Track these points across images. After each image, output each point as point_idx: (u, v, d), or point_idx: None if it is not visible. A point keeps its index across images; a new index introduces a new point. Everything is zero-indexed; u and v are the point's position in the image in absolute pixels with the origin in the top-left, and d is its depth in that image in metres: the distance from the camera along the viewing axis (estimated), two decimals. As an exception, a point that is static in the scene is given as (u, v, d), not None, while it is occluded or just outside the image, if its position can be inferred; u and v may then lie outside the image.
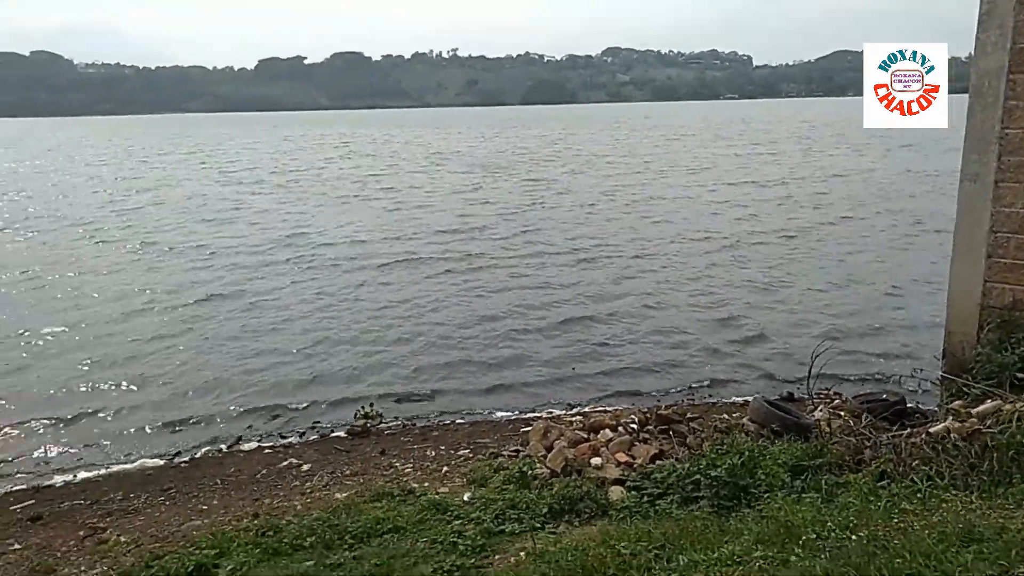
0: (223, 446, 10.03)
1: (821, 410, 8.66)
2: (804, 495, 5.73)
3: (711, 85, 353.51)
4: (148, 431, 10.57)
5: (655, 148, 63.89)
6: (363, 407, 10.87)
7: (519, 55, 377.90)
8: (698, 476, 6.36)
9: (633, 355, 13.00)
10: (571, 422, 9.16)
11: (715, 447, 7.13)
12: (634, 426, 8.42)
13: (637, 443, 7.86)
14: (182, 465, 9.52)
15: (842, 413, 8.39)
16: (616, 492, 6.65)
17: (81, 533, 7.45)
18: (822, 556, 4.23)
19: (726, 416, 9.19)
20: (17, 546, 7.29)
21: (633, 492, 6.61)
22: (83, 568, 6.53)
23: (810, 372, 9.23)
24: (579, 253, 21.17)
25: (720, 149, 59.90)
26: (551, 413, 10.58)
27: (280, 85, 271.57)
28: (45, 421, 10.89)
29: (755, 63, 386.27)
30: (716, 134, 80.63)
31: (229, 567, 5.89)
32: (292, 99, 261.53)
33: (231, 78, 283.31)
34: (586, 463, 7.32)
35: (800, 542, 4.50)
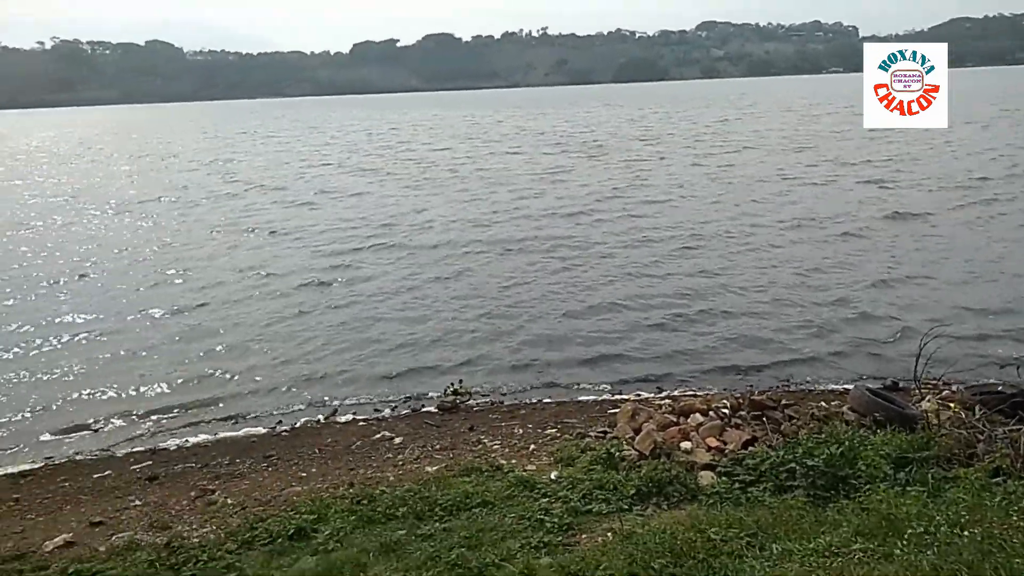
0: (321, 417, 10.49)
1: (928, 400, 8.22)
2: (908, 488, 5.47)
3: (813, 59, 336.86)
4: (253, 402, 11.15)
5: (757, 125, 61.32)
6: (453, 384, 11.09)
7: (610, 32, 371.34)
8: (793, 464, 6.17)
9: (729, 339, 12.66)
10: (659, 405, 9.05)
11: (812, 435, 6.89)
12: (726, 411, 8.24)
13: (729, 428, 7.70)
14: (283, 434, 10.01)
15: (952, 405, 7.93)
16: (706, 477, 6.54)
17: (192, 494, 7.96)
18: (929, 552, 4.02)
19: (824, 404, 8.84)
20: (137, 502, 7.87)
21: (724, 478, 6.48)
22: (194, 526, 6.97)
23: (917, 360, 8.75)
24: (680, 237, 20.26)
25: (831, 125, 56.64)
26: (639, 395, 10.48)
27: (373, 68, 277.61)
28: (161, 389, 11.68)
29: (861, 34, 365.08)
30: (825, 109, 76.72)
31: (327, 532, 6.18)
32: (384, 81, 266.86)
33: (327, 62, 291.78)
34: (675, 447, 7.22)
35: (904, 536, 4.31)
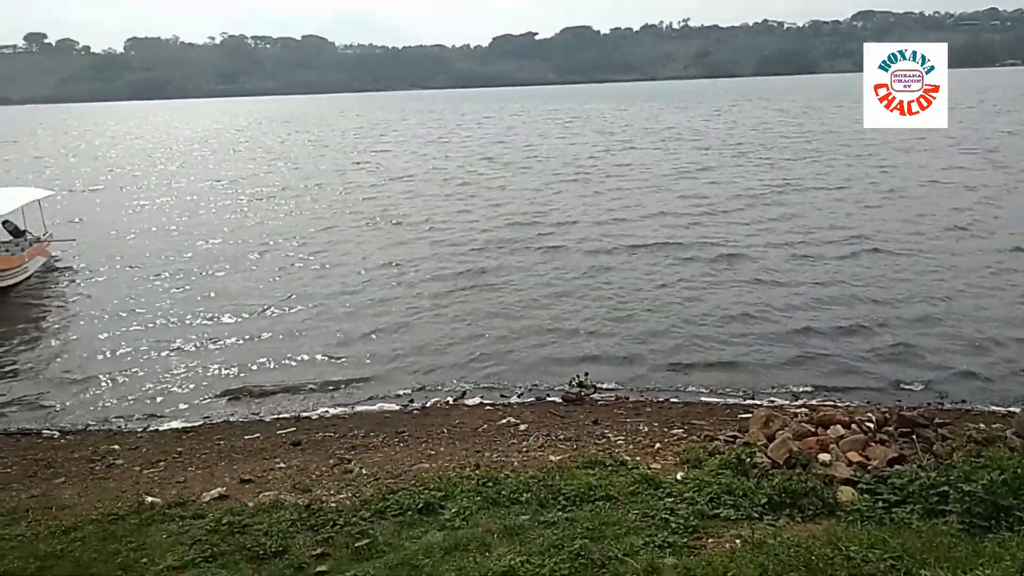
0: (450, 399, 10.83)
1: (1113, 433, 7.32)
2: (1086, 527, 4.91)
3: (987, 50, 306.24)
4: (387, 379, 11.69)
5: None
6: (578, 376, 11.10)
7: (755, 23, 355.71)
8: (946, 488, 5.70)
9: (879, 349, 11.87)
10: (795, 414, 8.63)
11: (969, 458, 6.34)
12: (870, 425, 7.73)
13: (873, 444, 7.21)
14: (414, 412, 10.43)
15: None
16: (846, 492, 6.17)
17: (331, 461, 8.46)
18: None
19: (983, 426, 8.10)
20: (281, 465, 8.47)
21: (866, 495, 6.09)
22: (332, 492, 7.40)
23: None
24: (837, 242, 18.98)
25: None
26: (772, 402, 10.05)
27: (511, 61, 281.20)
28: (308, 362, 12.50)
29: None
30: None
31: (453, 509, 6.37)
32: (521, 74, 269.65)
33: (467, 55, 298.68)
34: (813, 458, 6.86)
35: (1080, 579, 3.88)
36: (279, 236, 22.70)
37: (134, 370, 12.39)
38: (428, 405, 10.68)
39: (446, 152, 48.32)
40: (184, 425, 10.21)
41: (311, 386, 11.49)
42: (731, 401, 10.31)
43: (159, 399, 11.22)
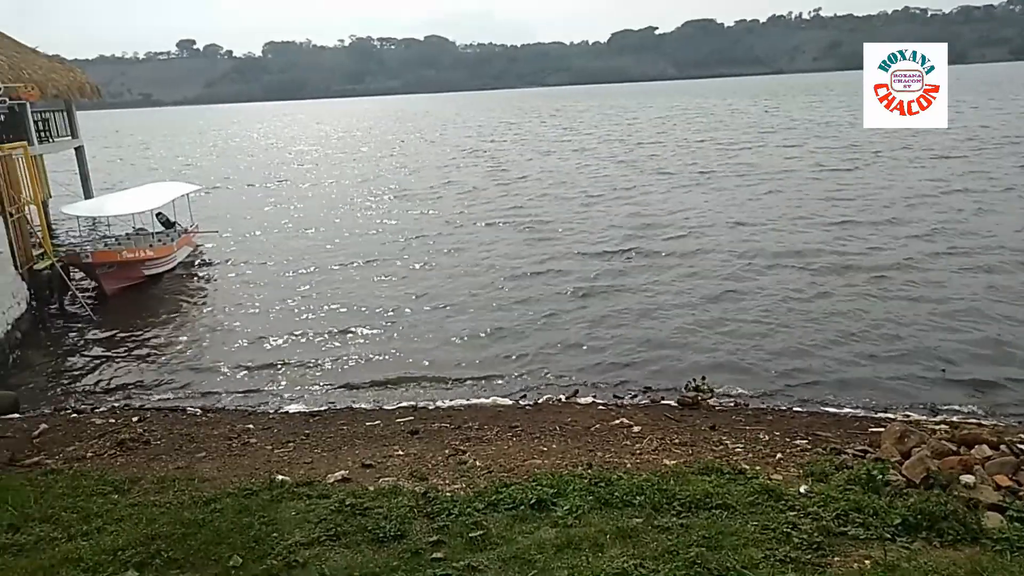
0: (562, 396, 10.85)
1: None
2: None
3: None
4: (502, 374, 11.89)
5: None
6: (695, 379, 10.82)
7: (895, 11, 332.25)
8: (1115, 522, 5.13)
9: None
10: (934, 430, 8.02)
11: None
12: (1023, 447, 7.06)
13: (1026, 468, 6.59)
14: (527, 407, 10.52)
15: None
16: (993, 519, 5.68)
17: (446, 452, 8.67)
18: None
19: None
20: (400, 452, 8.77)
21: (1017, 524, 5.58)
22: (447, 481, 7.59)
23: None
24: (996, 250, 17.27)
25: None
26: (907, 417, 9.39)
27: (629, 56, 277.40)
28: (423, 351, 12.89)
29: None
30: None
31: (566, 507, 6.38)
32: (640, 69, 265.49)
33: (585, 51, 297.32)
34: (954, 479, 6.35)
35: None
36: (411, 234, 23.09)
37: (268, 355, 13.23)
38: (540, 401, 10.74)
39: (572, 151, 47.92)
40: (311, 409, 10.79)
41: (430, 377, 11.85)
42: (860, 414, 9.73)
43: (289, 383, 11.93)
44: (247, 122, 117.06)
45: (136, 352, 13.72)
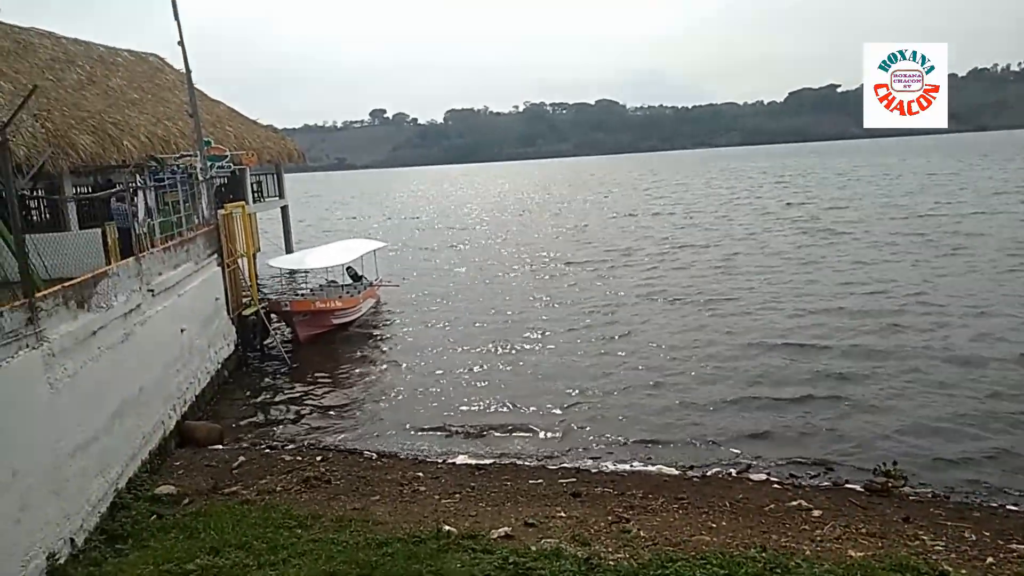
0: (732, 470, 10.31)
1: None
2: None
3: None
4: (668, 440, 11.54)
5: None
6: (884, 464, 9.89)
7: None
8: None
9: None
10: None
11: None
12: None
13: None
14: (694, 479, 10.09)
15: None
16: None
17: (609, 518, 8.50)
18: None
19: None
20: (562, 514, 8.71)
21: None
22: (610, 549, 7.42)
23: None
24: None
25: None
26: None
27: (808, 115, 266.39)
28: (586, 414, 12.83)
29: None
30: None
31: (738, 591, 6.00)
32: (819, 129, 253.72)
33: (759, 111, 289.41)
34: None
35: None
36: (586, 301, 22.39)
37: (439, 405, 13.77)
38: (709, 474, 10.27)
39: (754, 212, 45.45)
40: (477, 462, 11.03)
41: (592, 439, 11.74)
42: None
43: (458, 434, 12.30)
44: (427, 183, 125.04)
45: (323, 395, 14.82)
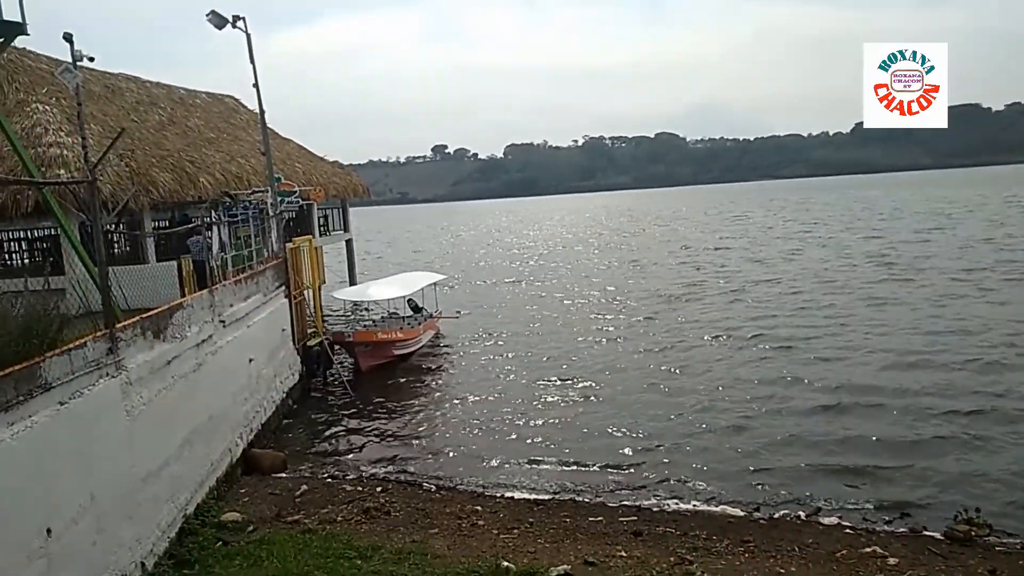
0: (802, 513, 9.92)
1: None
2: None
3: None
4: (731, 480, 11.18)
5: None
6: (965, 510, 9.35)
7: None
8: None
9: None
10: None
11: None
12: None
13: None
14: (760, 521, 9.75)
15: None
16: None
17: (671, 559, 8.28)
18: None
19: None
20: (623, 553, 8.53)
21: None
22: (674, 592, 7.22)
23: None
24: None
25: None
26: None
27: (876, 146, 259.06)
28: (642, 450, 12.59)
29: None
30: None
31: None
32: (888, 160, 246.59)
33: (824, 142, 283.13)
34: None
35: None
36: (640, 336, 22.17)
37: (498, 438, 13.74)
38: (777, 516, 9.89)
39: (825, 246, 43.53)
40: (535, 497, 10.92)
41: (653, 477, 11.47)
42: None
43: (516, 468, 12.21)
44: (487, 216, 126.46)
45: (383, 425, 14.98)
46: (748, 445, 12.51)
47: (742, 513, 10.03)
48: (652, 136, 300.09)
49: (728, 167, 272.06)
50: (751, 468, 11.53)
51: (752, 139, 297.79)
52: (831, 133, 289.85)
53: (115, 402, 7.76)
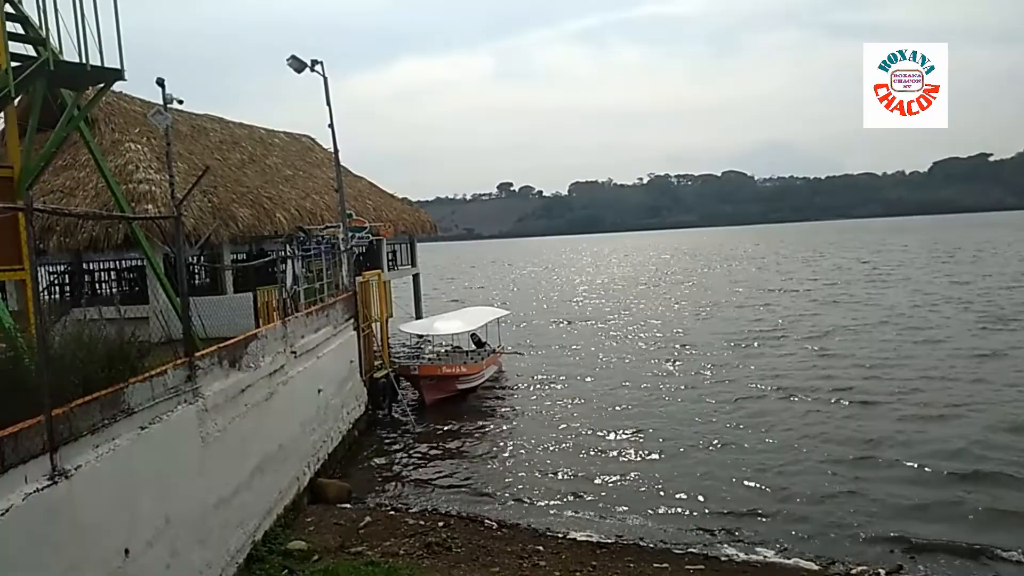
0: (882, 570, 9.36)
1: None
2: None
3: None
4: (810, 529, 10.72)
5: None
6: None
7: None
8: None
9: None
10: None
11: None
12: None
13: None
14: (836, 576, 9.26)
15: None
16: None
17: (741, 613, 7.94)
18: None
19: None
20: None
21: None
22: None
23: None
24: None
25: None
26: None
27: (955, 186, 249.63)
28: (708, 493, 12.18)
29: None
30: None
31: None
32: (969, 200, 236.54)
33: (900, 182, 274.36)
34: None
35: None
36: (708, 381, 21.63)
37: (561, 477, 13.56)
38: (854, 572, 9.38)
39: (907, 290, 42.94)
40: (598, 539, 10.67)
41: (721, 524, 11.08)
42: None
43: (579, 508, 11.99)
44: (551, 253, 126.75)
45: (446, 459, 14.99)
46: (825, 496, 11.95)
47: (816, 567, 9.56)
48: (719, 175, 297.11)
49: (797, 206, 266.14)
50: (825, 520, 11.03)
51: (823, 177, 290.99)
52: (907, 172, 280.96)
53: (192, 428, 8.03)
